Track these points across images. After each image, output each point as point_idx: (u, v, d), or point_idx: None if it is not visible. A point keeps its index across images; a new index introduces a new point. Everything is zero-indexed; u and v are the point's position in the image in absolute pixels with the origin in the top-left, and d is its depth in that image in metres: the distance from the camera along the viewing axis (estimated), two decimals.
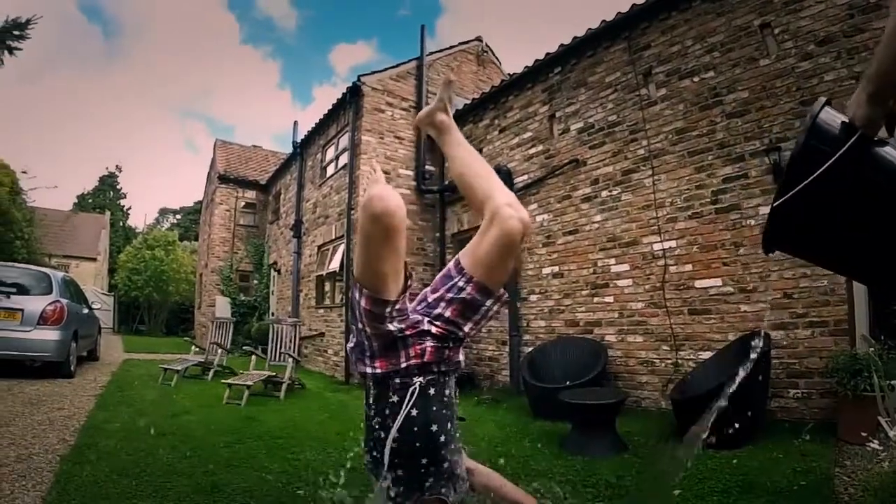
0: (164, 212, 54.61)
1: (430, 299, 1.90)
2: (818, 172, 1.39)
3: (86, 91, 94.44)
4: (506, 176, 9.12)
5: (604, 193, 7.82)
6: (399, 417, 1.75)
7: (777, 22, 6.07)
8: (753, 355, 4.59)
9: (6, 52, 9.51)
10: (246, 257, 19.87)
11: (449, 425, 1.85)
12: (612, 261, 7.60)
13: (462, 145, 2.17)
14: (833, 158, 1.38)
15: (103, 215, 38.83)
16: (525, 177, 9.22)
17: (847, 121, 1.44)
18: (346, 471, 3.54)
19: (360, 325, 1.78)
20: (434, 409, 1.80)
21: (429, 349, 1.78)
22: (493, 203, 1.86)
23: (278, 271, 17.42)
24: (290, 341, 9.41)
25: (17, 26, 9.46)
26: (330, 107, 13.16)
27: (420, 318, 1.82)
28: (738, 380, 3.08)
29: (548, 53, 8.95)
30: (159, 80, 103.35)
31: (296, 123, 16.25)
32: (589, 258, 7.96)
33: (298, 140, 15.63)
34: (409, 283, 1.78)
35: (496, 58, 14.00)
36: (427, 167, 11.69)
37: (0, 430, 5.26)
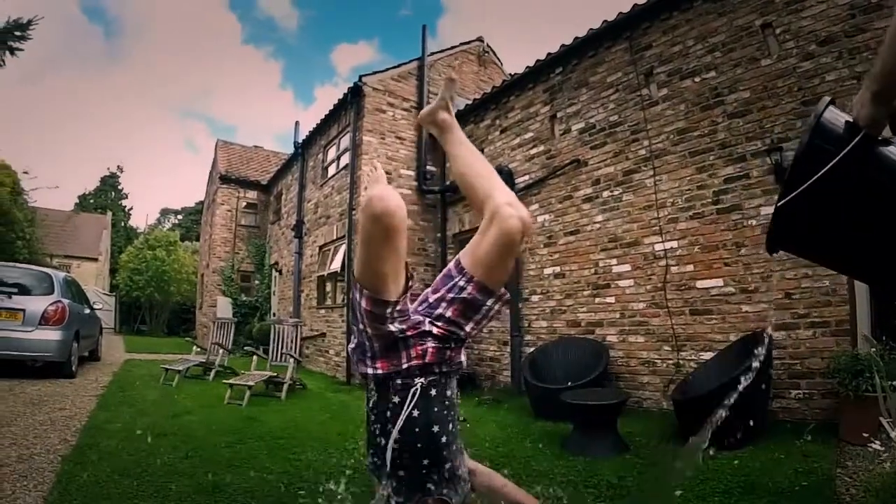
0: (165, 212, 54.68)
1: (431, 300, 1.89)
2: (822, 172, 1.39)
3: (87, 91, 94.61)
4: (507, 176, 9.12)
5: (605, 194, 7.81)
6: (400, 418, 1.75)
7: (778, 22, 6.06)
8: (756, 363, 4.56)
9: (8, 52, 9.52)
10: (247, 257, 19.87)
11: (450, 426, 1.84)
12: (614, 261, 7.60)
13: (464, 144, 2.17)
14: (837, 158, 1.38)
15: (105, 215, 38.88)
16: (526, 177, 9.22)
17: (851, 120, 1.44)
18: (346, 478, 3.54)
19: (361, 326, 1.78)
20: (435, 409, 1.80)
21: (430, 350, 1.78)
22: (492, 202, 1.86)
23: (279, 271, 17.42)
24: (292, 342, 9.40)
25: (19, 27, 9.47)
26: (331, 107, 13.15)
27: (421, 318, 1.82)
28: (740, 388, 3.07)
29: (549, 53, 8.95)
30: (161, 80, 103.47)
31: (297, 124, 16.27)
32: (590, 258, 7.95)
33: (300, 140, 15.63)
34: (410, 283, 1.77)
35: (497, 58, 14.00)
36: (428, 167, 11.68)
37: (2, 430, 5.26)
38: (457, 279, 1.86)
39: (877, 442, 3.98)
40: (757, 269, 6.01)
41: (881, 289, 4.91)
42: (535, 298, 8.86)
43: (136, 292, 26.36)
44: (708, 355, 6.23)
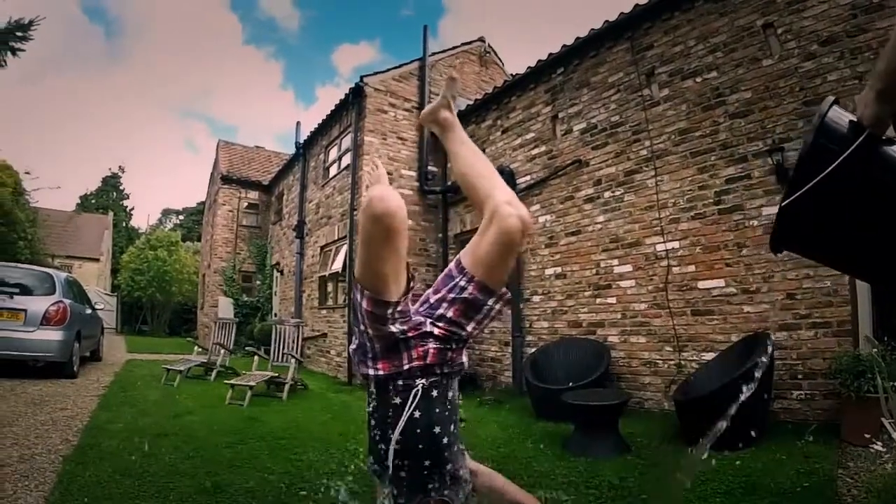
0: (166, 212, 54.79)
1: (432, 300, 1.89)
2: (826, 172, 1.38)
3: (89, 91, 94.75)
4: (509, 177, 9.12)
5: (606, 194, 7.81)
6: (402, 420, 1.75)
7: (780, 22, 6.06)
8: (758, 374, 4.55)
9: (9, 53, 9.52)
10: (249, 258, 19.90)
11: (452, 427, 1.84)
12: (615, 262, 7.59)
13: (465, 143, 2.17)
14: (841, 158, 1.37)
15: (106, 216, 38.92)
16: (528, 177, 9.21)
17: (855, 119, 1.44)
18: (348, 478, 3.54)
19: (362, 327, 1.78)
20: (437, 410, 1.80)
21: (431, 351, 1.78)
22: (492, 201, 1.86)
23: (281, 272, 17.43)
24: (293, 342, 9.41)
25: (20, 27, 9.47)
26: (332, 107, 13.16)
27: (422, 319, 1.81)
28: (742, 398, 3.07)
29: (550, 54, 8.95)
30: (162, 80, 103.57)
31: (298, 124, 16.27)
32: (592, 259, 7.95)
33: (301, 141, 15.64)
34: (411, 284, 1.77)
35: (499, 58, 13.99)
36: (430, 168, 11.67)
37: (3, 430, 5.27)
38: (457, 279, 1.86)
39: (878, 443, 3.97)
40: (758, 270, 6.01)
41: (885, 288, 4.90)
42: (536, 299, 8.85)
43: (138, 292, 26.37)
44: (709, 356, 6.23)
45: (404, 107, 11.93)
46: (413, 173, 11.67)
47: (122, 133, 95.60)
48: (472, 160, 2.09)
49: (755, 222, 6.08)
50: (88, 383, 8.80)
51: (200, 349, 11.53)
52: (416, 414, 1.76)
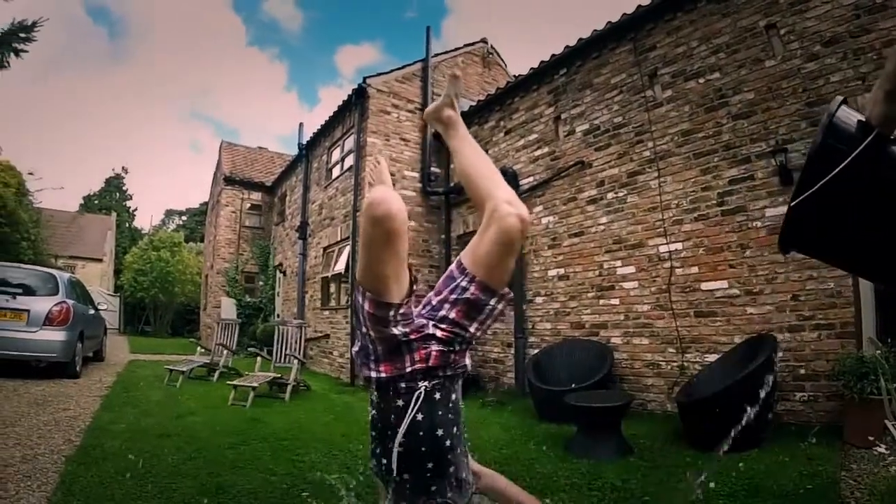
0: (169, 213, 54.88)
1: (434, 302, 1.89)
2: (834, 172, 1.38)
3: (92, 92, 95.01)
4: (512, 178, 9.13)
5: (609, 195, 7.80)
6: (404, 422, 1.75)
7: (783, 23, 6.05)
8: (763, 393, 4.54)
9: (12, 54, 9.54)
10: (251, 259, 19.92)
11: (455, 429, 1.84)
12: (618, 263, 7.59)
13: (467, 141, 2.16)
14: (849, 158, 1.37)
15: (109, 216, 38.96)
16: (531, 178, 9.21)
17: (864, 119, 1.43)
18: (350, 480, 3.54)
19: (364, 329, 1.77)
20: (440, 413, 1.79)
21: (434, 353, 1.77)
22: (492, 200, 1.85)
23: (284, 273, 17.45)
24: (296, 343, 9.42)
25: (23, 28, 9.49)
26: (335, 108, 13.18)
27: (425, 321, 1.81)
28: (761, 398, 3.06)
29: (553, 55, 8.95)
30: (166, 81, 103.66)
31: (301, 125, 16.28)
32: (595, 260, 7.94)
33: (304, 142, 15.64)
34: (413, 286, 1.77)
35: (501, 59, 14.00)
36: (433, 169, 11.69)
37: (6, 431, 5.28)
38: (459, 280, 1.86)
39: (882, 445, 3.97)
40: (762, 271, 6.00)
41: (893, 289, 4.89)
42: (539, 300, 8.85)
43: (141, 293, 26.40)
44: (712, 357, 6.22)
45: (407, 108, 11.94)
46: (416, 174, 11.67)
47: (125, 134, 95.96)
48: (473, 159, 2.09)
49: (758, 223, 6.07)
50: (91, 384, 8.81)
51: (203, 350, 11.55)
52: (419, 416, 1.75)
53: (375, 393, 1.85)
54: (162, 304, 27.35)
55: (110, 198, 47.29)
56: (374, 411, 1.87)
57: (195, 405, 7.35)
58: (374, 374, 1.79)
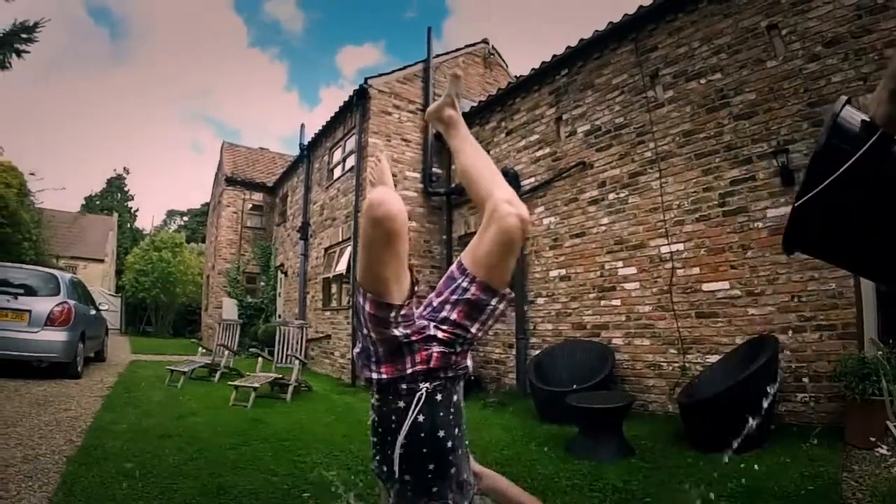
0: (171, 214, 54.86)
1: (435, 303, 1.89)
2: (838, 172, 1.37)
3: (94, 93, 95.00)
4: (513, 179, 9.13)
5: (611, 196, 7.80)
6: (406, 424, 1.74)
7: (784, 23, 6.04)
8: (766, 403, 4.53)
9: (14, 54, 9.56)
10: (253, 259, 19.94)
11: (456, 431, 1.84)
12: (620, 264, 7.58)
13: (468, 142, 2.16)
14: (853, 158, 1.36)
15: (111, 217, 38.99)
16: (532, 179, 9.21)
17: (868, 119, 1.43)
18: (352, 480, 3.54)
19: (365, 331, 1.77)
20: (441, 415, 1.79)
21: (435, 355, 1.77)
22: (492, 200, 1.85)
23: (285, 273, 17.46)
24: (297, 343, 9.42)
25: (25, 29, 9.50)
26: (337, 109, 13.19)
27: (426, 323, 1.81)
28: (769, 396, 3.05)
29: (554, 55, 8.94)
30: (167, 82, 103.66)
31: (303, 126, 16.31)
32: (596, 261, 7.94)
33: (305, 142, 15.65)
34: (415, 288, 1.77)
35: (503, 60, 14.01)
36: (434, 170, 11.69)
37: (7, 431, 5.28)
38: (459, 281, 1.85)
39: (883, 446, 3.96)
40: (763, 272, 5.99)
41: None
42: (540, 301, 8.85)
43: (142, 293, 26.40)
44: (714, 358, 6.22)
45: (408, 109, 11.95)
46: (417, 175, 11.68)
47: (126, 135, 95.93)
48: (474, 158, 2.09)
49: (760, 224, 6.06)
50: (92, 384, 8.82)
51: (204, 350, 11.55)
52: (420, 418, 1.75)
53: (376, 394, 1.85)
54: (163, 304, 27.35)
55: (112, 198, 47.34)
56: (375, 413, 1.86)
57: (196, 406, 7.36)
58: (375, 376, 1.79)
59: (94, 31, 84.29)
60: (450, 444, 1.80)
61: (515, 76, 10.50)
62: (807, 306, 5.61)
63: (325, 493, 3.75)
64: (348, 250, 12.02)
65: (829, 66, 5.63)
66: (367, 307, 1.69)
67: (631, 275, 7.41)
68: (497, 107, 10.39)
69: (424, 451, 1.76)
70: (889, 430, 4.25)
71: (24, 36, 9.52)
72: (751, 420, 3.96)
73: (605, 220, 7.85)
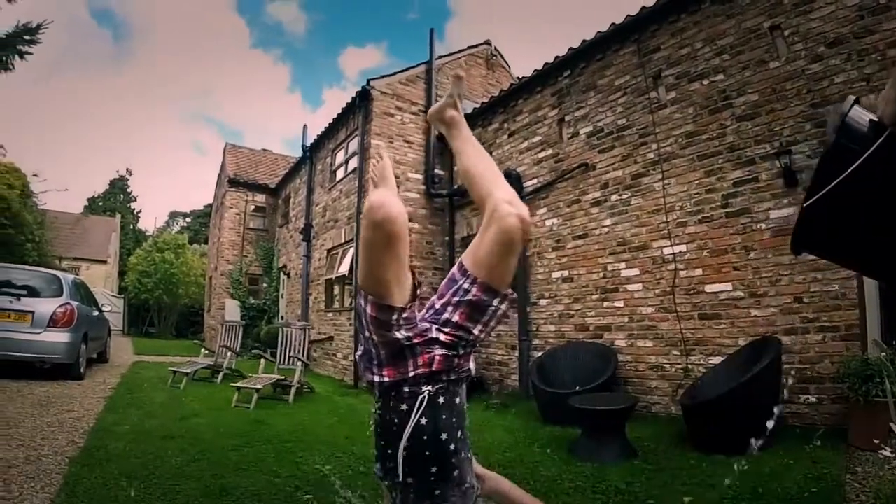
0: (174, 215, 54.92)
1: (437, 306, 1.88)
2: (847, 172, 1.37)
3: (97, 95, 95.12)
4: (515, 180, 9.13)
5: (613, 197, 7.79)
6: (408, 427, 1.74)
7: (787, 24, 6.03)
8: (777, 411, 4.50)
9: (16, 56, 9.59)
10: (255, 261, 19.95)
11: (459, 433, 1.83)
12: (622, 265, 7.57)
13: (470, 142, 2.16)
14: (861, 158, 1.36)
15: (114, 218, 39.02)
16: (534, 181, 9.21)
17: (876, 119, 1.42)
18: (354, 482, 3.53)
19: (367, 334, 1.77)
20: (443, 417, 1.79)
21: (437, 358, 1.77)
22: (492, 200, 1.85)
23: (288, 275, 17.47)
24: (300, 345, 9.41)
25: (28, 31, 9.54)
26: (339, 111, 13.20)
27: (428, 325, 1.80)
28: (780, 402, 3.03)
29: (557, 57, 8.94)
30: (169, 84, 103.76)
31: (305, 127, 16.37)
32: (599, 262, 7.93)
33: (308, 144, 15.68)
34: (417, 290, 1.76)
35: (505, 61, 14.01)
36: (436, 171, 11.69)
37: (9, 432, 5.29)
38: (461, 282, 1.85)
39: (887, 448, 3.94)
40: (766, 273, 5.98)
41: None
42: (543, 302, 8.84)
43: (145, 295, 26.44)
44: (717, 360, 6.21)
45: (411, 110, 11.95)
46: (419, 176, 11.68)
47: (129, 136, 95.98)
48: (475, 159, 2.09)
49: (763, 225, 6.05)
50: (95, 385, 8.83)
51: (207, 352, 11.56)
52: (423, 421, 1.75)
53: (379, 397, 1.85)
54: (166, 305, 27.40)
55: (114, 199, 47.41)
56: (377, 415, 1.86)
57: (199, 407, 7.36)
58: (377, 379, 1.79)
59: (96, 32, 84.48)
60: (452, 446, 1.80)
61: (518, 77, 10.50)
62: (810, 308, 5.59)
63: (328, 494, 3.74)
64: (351, 252, 12.03)
65: (831, 67, 5.62)
66: (369, 310, 1.69)
67: (633, 276, 7.40)
68: (499, 108, 10.39)
69: (427, 454, 1.76)
70: (892, 432, 4.23)
71: (26, 38, 9.56)
72: (768, 420, 3.96)
73: (608, 222, 7.84)
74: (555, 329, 8.56)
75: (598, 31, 8.19)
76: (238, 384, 7.97)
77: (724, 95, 6.55)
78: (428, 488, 1.78)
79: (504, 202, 1.81)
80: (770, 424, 2.70)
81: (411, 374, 1.75)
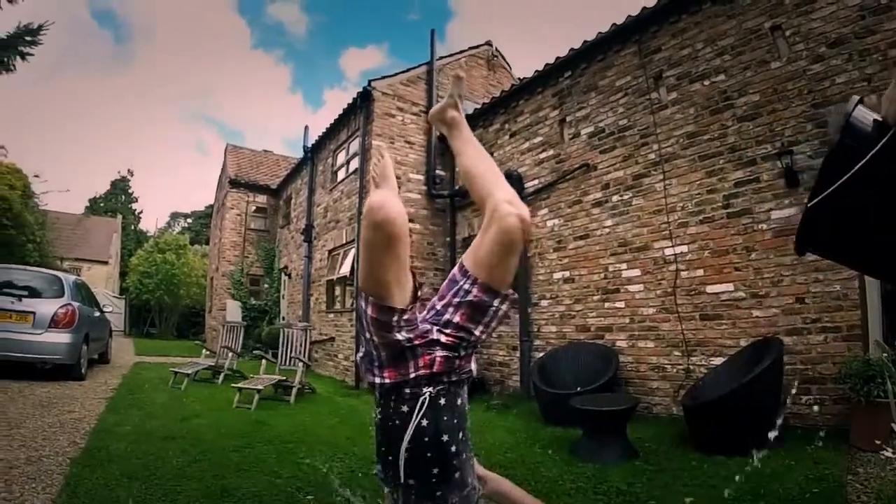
0: (175, 216, 54.98)
1: (438, 307, 1.88)
2: (851, 172, 1.37)
3: (98, 96, 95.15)
4: (517, 181, 9.13)
5: (615, 198, 7.79)
6: (409, 428, 1.74)
7: (788, 24, 6.03)
8: (780, 420, 4.50)
9: (18, 57, 9.59)
10: (257, 261, 19.96)
11: (460, 434, 1.83)
12: (624, 266, 7.57)
13: (470, 142, 2.16)
14: (866, 158, 1.35)
15: (115, 219, 39.06)
16: (536, 181, 9.20)
17: (880, 118, 1.42)
18: (355, 483, 3.53)
19: (368, 335, 1.77)
20: (445, 419, 1.79)
21: (438, 359, 1.77)
22: (492, 200, 1.85)
23: (289, 275, 17.47)
24: (301, 345, 9.41)
25: (29, 32, 9.54)
26: (341, 111, 13.20)
27: (429, 327, 1.80)
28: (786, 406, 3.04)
29: (558, 57, 8.94)
30: (171, 84, 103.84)
31: (306, 128, 16.33)
32: (600, 263, 7.93)
33: (309, 144, 15.68)
34: (419, 293, 1.76)
35: (506, 62, 14.01)
36: (437, 172, 11.69)
37: (11, 432, 5.29)
38: (461, 283, 1.85)
39: (888, 449, 3.94)
40: (767, 274, 5.97)
41: None
42: (544, 303, 8.84)
43: (146, 295, 26.46)
44: (718, 360, 6.20)
45: (412, 111, 11.95)
46: (421, 177, 11.68)
47: (130, 136, 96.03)
48: (476, 160, 2.09)
49: (764, 226, 6.05)
50: (96, 386, 8.83)
51: (208, 352, 11.55)
52: (424, 422, 1.74)
53: (380, 399, 1.84)
54: (167, 306, 27.42)
55: (116, 200, 47.45)
56: (378, 417, 1.86)
57: (200, 408, 7.36)
58: (378, 380, 1.79)
59: (97, 33, 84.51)
60: (454, 448, 1.79)
61: (519, 78, 10.49)
62: (811, 308, 5.59)
63: (329, 495, 3.74)
64: (352, 252, 12.02)
65: (833, 67, 5.62)
66: (370, 311, 1.69)
67: (635, 277, 7.40)
68: (500, 109, 10.39)
69: (428, 455, 1.76)
70: (894, 433, 4.23)
71: (27, 39, 9.57)
72: (770, 432, 3.96)
73: (609, 223, 7.84)
74: (556, 330, 8.56)
75: (599, 32, 8.19)
76: (239, 385, 7.97)
77: (725, 96, 6.55)
78: (429, 490, 1.78)
79: (504, 202, 1.80)
80: (772, 435, 2.69)
81: (412, 375, 1.75)
